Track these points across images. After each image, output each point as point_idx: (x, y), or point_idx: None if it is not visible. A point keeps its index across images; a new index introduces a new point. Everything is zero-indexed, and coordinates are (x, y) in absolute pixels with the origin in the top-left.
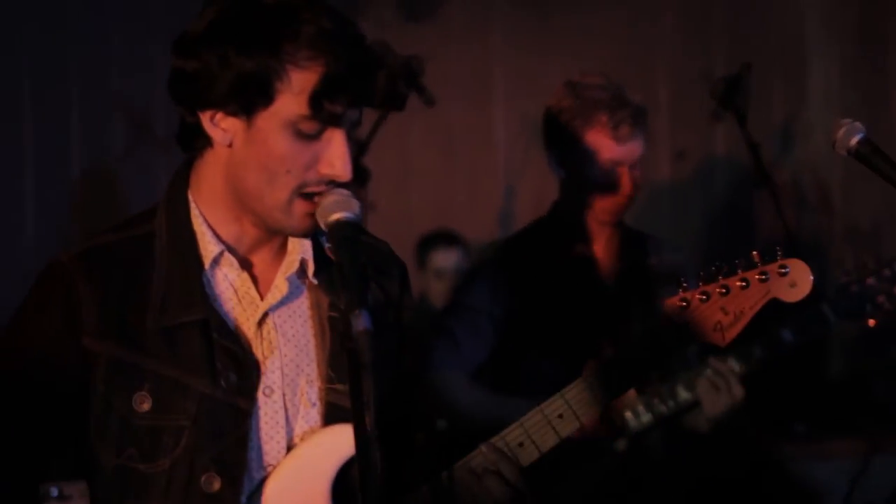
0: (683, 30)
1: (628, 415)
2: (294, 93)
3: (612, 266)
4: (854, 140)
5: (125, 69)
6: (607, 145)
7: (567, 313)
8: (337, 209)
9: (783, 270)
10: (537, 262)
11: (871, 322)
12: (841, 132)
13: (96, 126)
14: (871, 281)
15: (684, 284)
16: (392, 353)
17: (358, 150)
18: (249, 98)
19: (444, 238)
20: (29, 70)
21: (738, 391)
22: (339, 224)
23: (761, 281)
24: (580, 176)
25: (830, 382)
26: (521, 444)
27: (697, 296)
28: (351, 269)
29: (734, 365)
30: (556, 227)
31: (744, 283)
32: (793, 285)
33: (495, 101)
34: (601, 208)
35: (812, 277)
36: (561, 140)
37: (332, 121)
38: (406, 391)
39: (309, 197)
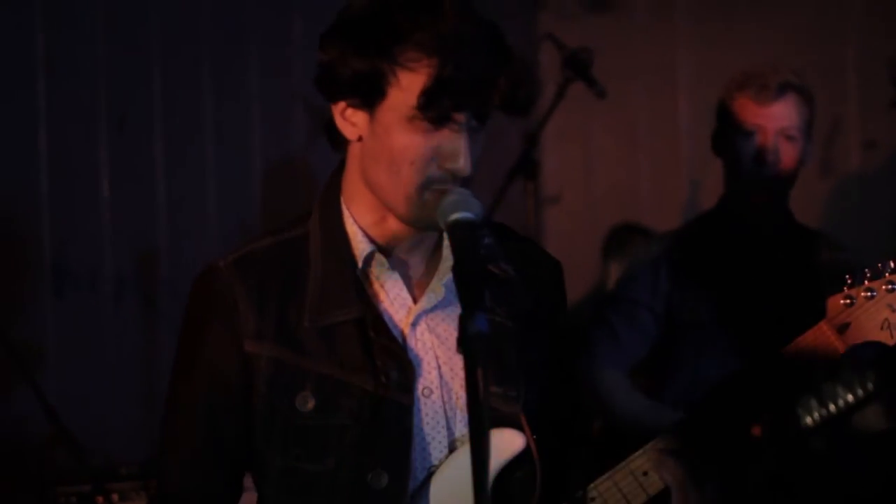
0: (874, 14)
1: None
2: (403, 90)
3: (778, 263)
4: None
5: (307, 64)
6: (751, 109)
7: (728, 312)
8: (456, 209)
9: None
10: (699, 258)
11: None
12: None
13: (278, 118)
14: None
15: (849, 281)
16: (544, 360)
17: (529, 141)
18: (366, 92)
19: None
20: (209, 51)
21: None
22: (457, 224)
23: None
24: (730, 150)
25: None
26: None
27: (863, 293)
28: (467, 270)
29: None
30: (719, 221)
31: None
32: None
33: (679, 92)
34: (757, 187)
35: None
36: (719, 122)
37: (442, 120)
38: (569, 392)
39: (438, 191)
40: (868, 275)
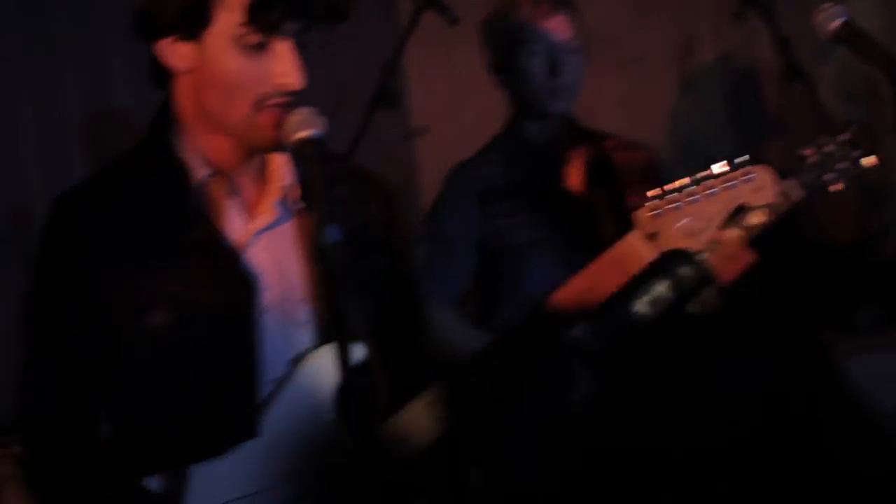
0: None
1: None
2: (229, 10)
3: (577, 172)
4: (835, 24)
5: None
6: (534, 23)
7: (539, 230)
8: (301, 127)
9: (749, 177)
10: (501, 182)
11: (838, 186)
12: (821, 16)
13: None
14: (829, 148)
15: (655, 194)
16: (382, 276)
17: (387, 71)
18: (193, 20)
19: None
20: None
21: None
22: (302, 142)
23: (728, 188)
24: (520, 68)
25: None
26: None
27: (668, 206)
28: (315, 186)
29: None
30: (514, 141)
31: (713, 190)
32: (758, 190)
33: None
34: (553, 99)
35: (776, 181)
36: (496, 44)
37: (272, 30)
38: (412, 306)
39: (272, 108)
40: (674, 186)
